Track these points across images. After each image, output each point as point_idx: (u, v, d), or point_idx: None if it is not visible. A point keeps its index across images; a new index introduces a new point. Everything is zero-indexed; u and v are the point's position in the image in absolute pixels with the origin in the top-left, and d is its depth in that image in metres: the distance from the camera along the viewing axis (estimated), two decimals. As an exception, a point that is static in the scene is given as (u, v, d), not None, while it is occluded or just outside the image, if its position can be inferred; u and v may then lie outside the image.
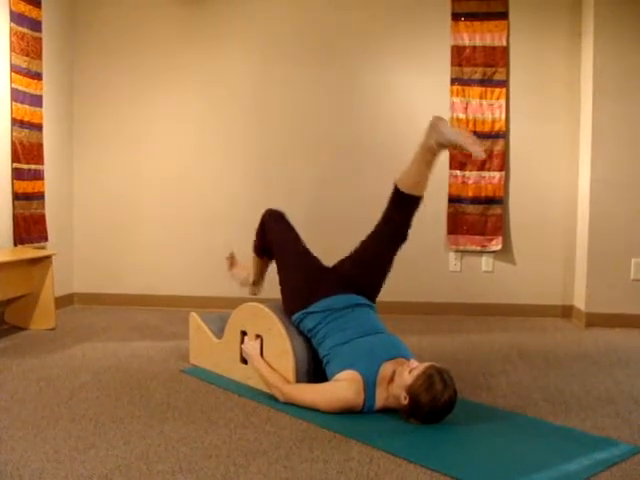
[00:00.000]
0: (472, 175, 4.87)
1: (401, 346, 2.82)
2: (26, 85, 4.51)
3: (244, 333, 3.11)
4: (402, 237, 3.02)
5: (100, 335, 4.16)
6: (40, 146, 4.69)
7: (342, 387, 2.65)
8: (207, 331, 3.37)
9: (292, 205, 5.00)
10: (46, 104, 4.76)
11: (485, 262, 4.94)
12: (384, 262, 3.07)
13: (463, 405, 2.68)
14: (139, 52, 5.13)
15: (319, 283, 3.00)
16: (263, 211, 3.34)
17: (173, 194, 5.15)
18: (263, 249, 3.35)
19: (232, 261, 3.72)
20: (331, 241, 4.96)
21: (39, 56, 4.66)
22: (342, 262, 3.11)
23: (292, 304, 3.01)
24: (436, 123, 2.84)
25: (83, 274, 5.25)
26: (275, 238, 3.22)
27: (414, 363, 2.59)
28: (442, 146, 2.83)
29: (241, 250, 5.11)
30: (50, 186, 4.84)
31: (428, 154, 2.86)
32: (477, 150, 2.79)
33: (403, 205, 2.95)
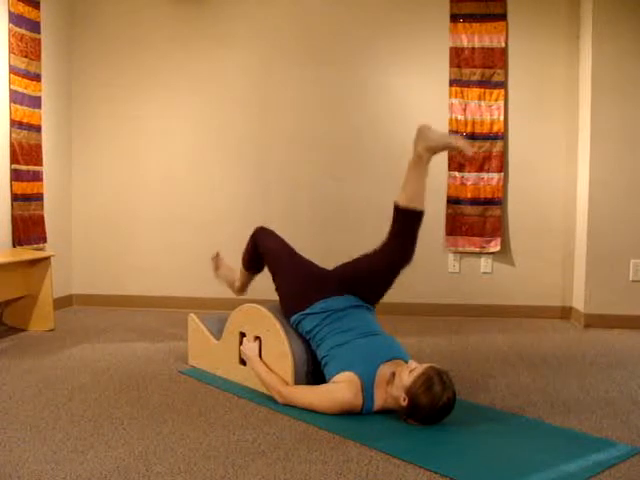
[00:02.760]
0: (471, 176, 4.87)
1: (399, 348, 2.83)
2: (25, 86, 4.51)
3: (243, 334, 3.11)
4: (407, 257, 2.94)
5: (99, 336, 4.16)
6: (39, 147, 4.69)
7: (340, 389, 2.65)
8: (206, 332, 3.37)
9: (292, 205, 5.03)
10: (45, 105, 4.76)
11: (484, 263, 4.94)
12: (385, 281, 3.03)
13: (462, 406, 2.68)
14: (138, 53, 5.13)
15: (317, 285, 3.00)
16: (253, 230, 3.39)
17: (172, 195, 5.15)
18: (252, 263, 3.42)
19: (218, 262, 3.73)
20: (332, 241, 4.99)
21: (38, 57, 4.66)
22: (344, 267, 3.08)
23: (290, 306, 3.02)
24: (422, 130, 2.86)
25: (82, 275, 5.25)
26: (269, 248, 3.25)
27: (413, 364, 2.59)
28: (431, 150, 2.84)
29: (237, 251, 5.12)
30: (49, 187, 4.84)
31: (419, 163, 2.86)
32: (465, 145, 2.83)
33: (405, 221, 2.90)
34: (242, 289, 3.64)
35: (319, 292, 2.96)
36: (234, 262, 5.11)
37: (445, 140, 2.87)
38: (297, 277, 3.08)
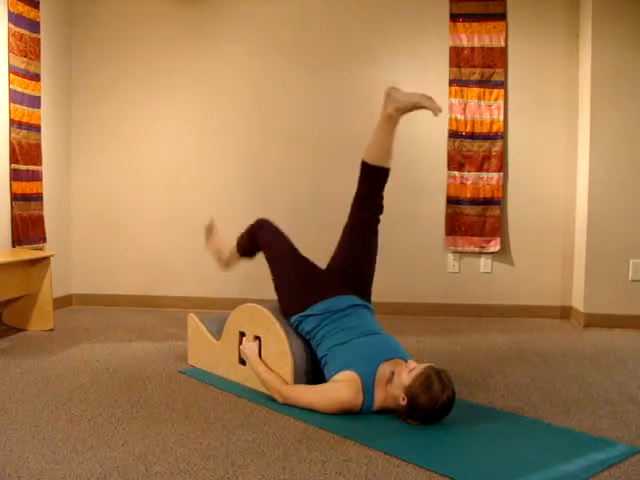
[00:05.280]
0: (470, 176, 4.87)
1: (398, 347, 2.83)
2: (24, 86, 4.51)
3: (242, 334, 3.11)
4: (378, 209, 3.11)
5: (98, 336, 4.16)
6: (38, 147, 4.69)
7: (340, 388, 2.65)
8: (205, 332, 3.37)
9: (291, 205, 5.03)
10: (44, 105, 4.76)
11: (483, 263, 4.94)
12: (369, 243, 3.10)
13: (461, 406, 2.68)
14: (137, 52, 5.13)
15: (316, 286, 3.00)
16: (253, 221, 3.33)
17: (171, 195, 5.15)
18: (247, 250, 3.38)
19: (211, 230, 3.58)
20: (332, 242, 4.95)
21: (37, 57, 4.66)
22: (333, 258, 3.15)
23: (289, 307, 3.02)
24: (390, 92, 2.99)
25: (81, 275, 5.25)
26: (269, 244, 3.21)
27: (413, 364, 2.59)
28: (400, 111, 2.97)
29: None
30: (48, 187, 4.84)
31: (389, 123, 3.00)
32: (434, 105, 2.90)
33: (373, 178, 3.10)
34: (228, 266, 3.55)
35: (318, 293, 2.96)
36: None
37: (413, 99, 2.95)
38: (297, 278, 3.07)
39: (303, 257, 3.16)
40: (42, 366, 3.41)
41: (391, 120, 2.99)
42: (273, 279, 3.16)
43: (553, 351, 3.87)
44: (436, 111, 2.89)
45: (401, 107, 2.95)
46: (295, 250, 3.18)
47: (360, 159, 3.16)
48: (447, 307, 4.95)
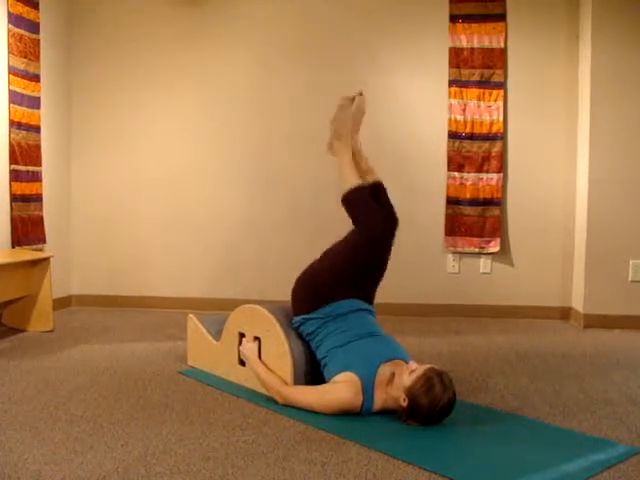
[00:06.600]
0: (470, 176, 4.88)
1: (399, 348, 2.83)
2: (24, 87, 4.51)
3: (242, 335, 3.10)
4: (396, 220, 3.14)
5: (98, 336, 4.16)
6: (38, 148, 4.69)
7: (340, 389, 2.65)
8: (205, 333, 3.36)
9: (292, 205, 5.03)
10: (44, 106, 4.75)
11: (483, 264, 4.94)
12: (389, 251, 3.18)
13: (461, 406, 2.68)
14: (137, 53, 5.13)
15: (327, 292, 2.94)
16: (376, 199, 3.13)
17: (171, 195, 5.14)
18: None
19: (350, 104, 3.29)
20: (331, 240, 4.95)
21: (37, 58, 4.65)
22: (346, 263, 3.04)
23: (298, 305, 3.00)
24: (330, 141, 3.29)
25: (81, 276, 5.24)
26: (355, 236, 3.08)
27: (413, 365, 2.59)
28: (351, 133, 3.21)
29: (237, 251, 5.13)
30: (48, 188, 4.84)
31: (348, 146, 3.22)
32: (358, 99, 3.19)
33: (381, 194, 3.17)
34: (332, 148, 3.37)
35: (326, 297, 2.94)
36: (236, 263, 5.14)
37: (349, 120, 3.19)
38: (322, 282, 2.98)
39: (347, 270, 3.01)
40: (42, 367, 3.41)
41: (348, 143, 3.21)
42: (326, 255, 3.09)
43: (553, 352, 3.87)
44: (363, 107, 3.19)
45: (349, 129, 3.20)
46: (350, 266, 3.01)
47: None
48: (447, 308, 4.95)
